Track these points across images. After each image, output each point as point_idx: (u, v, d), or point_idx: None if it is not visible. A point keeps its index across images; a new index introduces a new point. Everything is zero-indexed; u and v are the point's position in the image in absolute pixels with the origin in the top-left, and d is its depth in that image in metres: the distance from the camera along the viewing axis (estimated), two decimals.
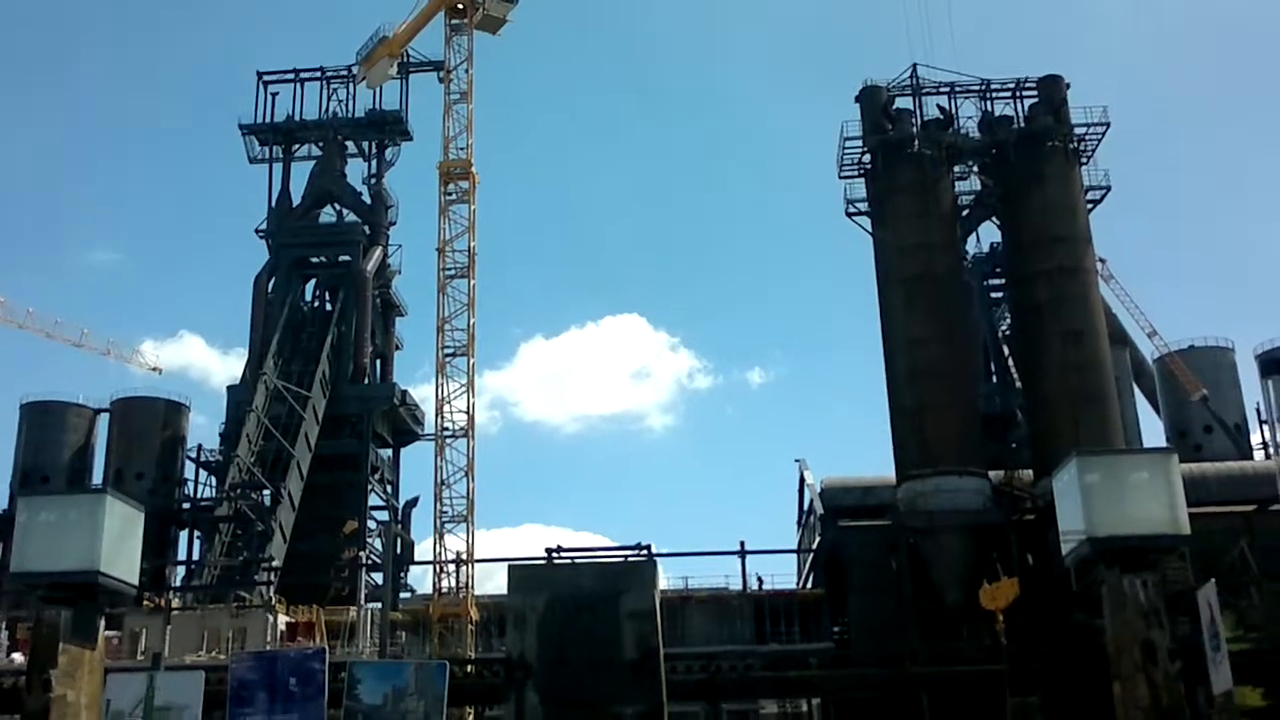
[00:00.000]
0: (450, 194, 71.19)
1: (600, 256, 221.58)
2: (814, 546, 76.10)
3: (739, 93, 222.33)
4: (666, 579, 68.58)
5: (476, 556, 66.31)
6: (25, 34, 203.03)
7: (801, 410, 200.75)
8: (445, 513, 66.13)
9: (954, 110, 72.88)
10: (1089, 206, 71.23)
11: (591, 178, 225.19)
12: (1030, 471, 65.97)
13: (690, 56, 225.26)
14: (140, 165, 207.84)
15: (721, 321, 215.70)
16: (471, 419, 67.72)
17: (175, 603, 69.24)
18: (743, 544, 69.88)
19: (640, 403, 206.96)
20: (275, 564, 77.23)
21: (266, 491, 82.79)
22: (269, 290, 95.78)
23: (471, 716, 61.76)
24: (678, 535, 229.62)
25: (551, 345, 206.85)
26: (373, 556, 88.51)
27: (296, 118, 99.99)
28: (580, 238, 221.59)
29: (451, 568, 65.76)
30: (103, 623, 22.26)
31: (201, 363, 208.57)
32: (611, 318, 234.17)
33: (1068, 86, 72.01)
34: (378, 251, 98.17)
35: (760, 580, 70.56)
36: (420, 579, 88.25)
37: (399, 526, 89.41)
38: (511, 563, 44.93)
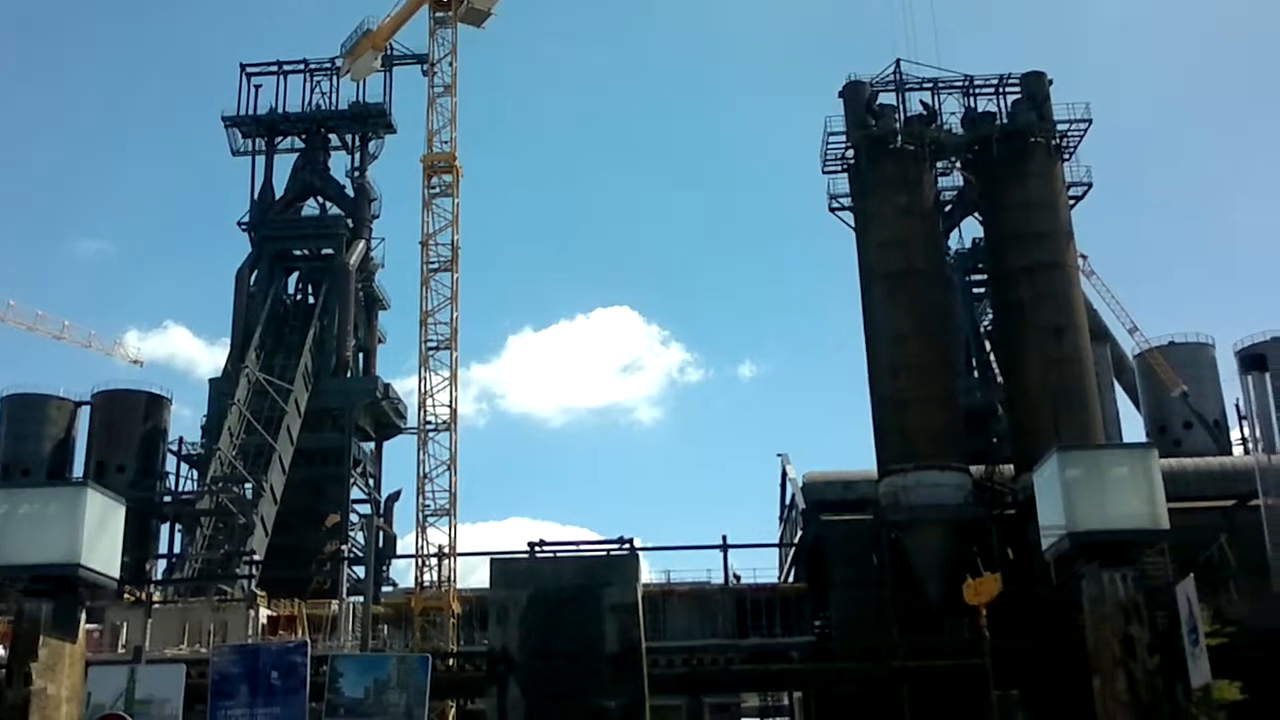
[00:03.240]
0: (434, 187, 71.04)
1: (591, 249, 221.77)
2: (795, 541, 76.27)
3: (726, 85, 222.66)
4: (649, 573, 68.70)
5: (459, 550, 66.41)
6: (10, 26, 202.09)
7: (792, 404, 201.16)
8: (427, 506, 66.07)
9: (937, 106, 73.06)
10: (1071, 203, 71.46)
11: (581, 170, 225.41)
12: (1011, 466, 66.23)
13: (676, 49, 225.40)
14: (127, 155, 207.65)
15: (714, 315, 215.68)
16: (454, 413, 67.74)
17: (156, 596, 69.10)
18: (724, 538, 70.05)
19: (629, 395, 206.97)
20: (257, 557, 77.04)
21: (248, 485, 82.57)
22: (251, 283, 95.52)
23: (454, 710, 61.74)
24: (665, 529, 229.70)
25: (540, 337, 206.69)
26: (354, 550, 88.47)
27: (279, 110, 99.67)
28: (571, 230, 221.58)
29: (434, 561, 65.73)
30: (84, 616, 22.18)
31: (187, 353, 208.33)
32: (602, 310, 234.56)
33: (1050, 83, 72.24)
34: (360, 245, 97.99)
35: (738, 576, 70.63)
36: (403, 573, 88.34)
37: (381, 520, 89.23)
38: (494, 556, 45.04)
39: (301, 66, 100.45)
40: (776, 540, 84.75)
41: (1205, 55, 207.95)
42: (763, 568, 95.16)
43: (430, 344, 68.81)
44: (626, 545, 42.06)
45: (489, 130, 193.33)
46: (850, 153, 70.82)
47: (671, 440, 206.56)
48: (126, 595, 65.19)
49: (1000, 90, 73.32)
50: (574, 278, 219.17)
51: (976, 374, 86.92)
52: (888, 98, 72.13)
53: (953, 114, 73.20)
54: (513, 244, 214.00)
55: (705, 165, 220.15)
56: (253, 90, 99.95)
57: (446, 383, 68.23)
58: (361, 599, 65.96)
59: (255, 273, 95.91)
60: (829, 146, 71.07)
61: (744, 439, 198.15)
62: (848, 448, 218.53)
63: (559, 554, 42.44)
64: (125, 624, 60.09)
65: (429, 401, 67.93)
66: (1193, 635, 34.96)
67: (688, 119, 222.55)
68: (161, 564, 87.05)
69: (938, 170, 73.78)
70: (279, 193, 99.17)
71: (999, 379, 77.32)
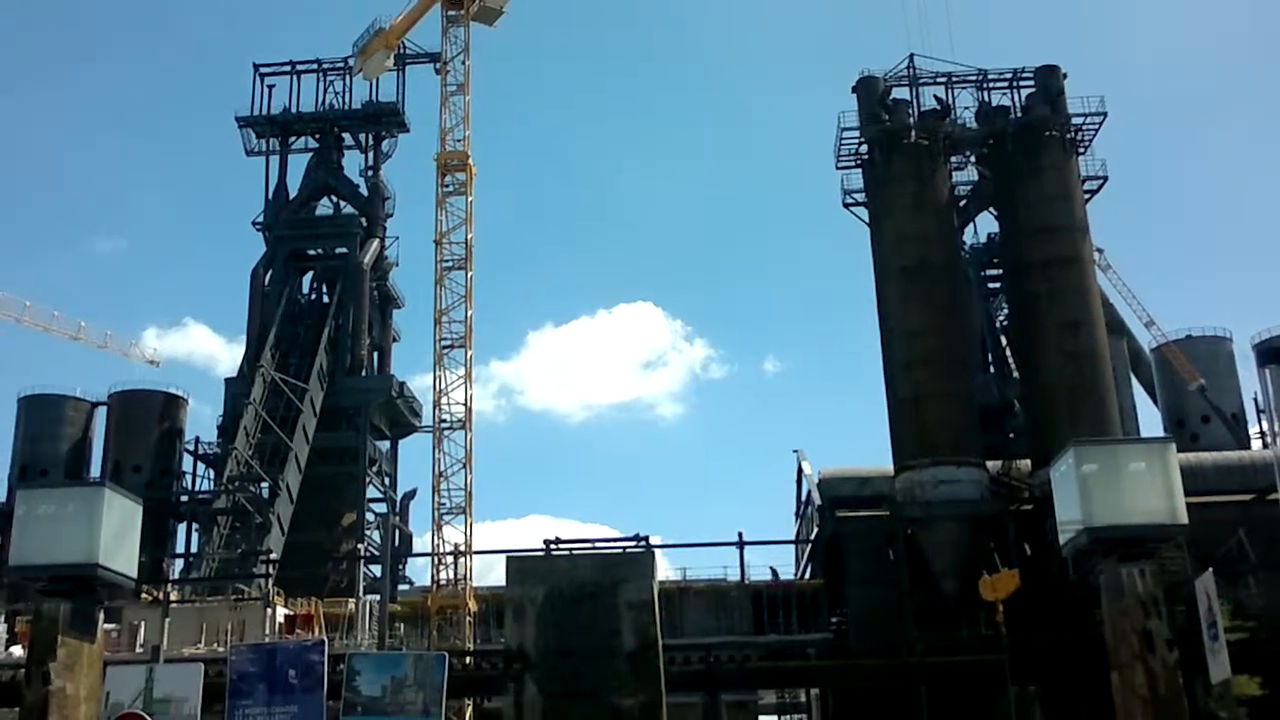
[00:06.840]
0: (447, 186, 71.12)
1: (611, 245, 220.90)
2: (812, 537, 76.13)
3: (740, 80, 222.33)
4: (665, 570, 68.69)
5: (475, 548, 66.49)
6: (27, 25, 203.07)
7: (815, 399, 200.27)
8: (443, 505, 66.16)
9: (951, 101, 72.79)
10: (1086, 197, 71.15)
11: (599, 166, 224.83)
12: (1028, 461, 65.98)
13: (690, 46, 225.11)
14: (144, 154, 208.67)
15: (736, 310, 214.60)
16: (469, 410, 67.80)
17: (174, 595, 69.31)
18: (740, 535, 69.95)
19: (651, 391, 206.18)
20: (273, 556, 77.25)
21: (264, 484, 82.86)
22: (266, 283, 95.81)
23: (470, 708, 61.82)
24: (686, 525, 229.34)
25: (561, 333, 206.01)
26: (371, 549, 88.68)
27: (293, 110, 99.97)
28: (591, 226, 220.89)
29: (450, 559, 65.81)
30: (102, 615, 22.27)
31: (207, 350, 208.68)
32: (625, 306, 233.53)
33: (1064, 77, 71.93)
34: (375, 244, 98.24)
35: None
36: (419, 571, 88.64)
37: (397, 518, 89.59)
38: (510, 554, 45.05)
39: (314, 66, 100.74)
40: (793, 536, 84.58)
41: (1221, 47, 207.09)
42: (780, 564, 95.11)
43: (445, 342, 68.89)
44: (642, 542, 42.09)
45: (505, 128, 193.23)
46: (864, 148, 70.65)
47: (695, 436, 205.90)
48: (144, 595, 65.46)
49: (1014, 84, 73.07)
50: (595, 273, 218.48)
51: (993, 369, 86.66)
52: (901, 93, 71.91)
53: (967, 108, 73.02)
54: (533, 240, 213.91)
55: (722, 160, 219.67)
56: (266, 90, 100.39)
57: (462, 380, 68.31)
58: (378, 597, 66.12)
59: (270, 272, 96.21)
60: (843, 142, 70.90)
61: (768, 435, 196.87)
62: (868, 443, 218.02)
63: (575, 552, 42.46)
64: (143, 623, 60.33)
65: (444, 399, 68.03)
66: (1212, 630, 34.81)
67: (703, 115, 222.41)
68: (179, 563, 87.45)
69: (952, 165, 73.51)
70: (293, 192, 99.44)
71: (1015, 374, 77.08)
